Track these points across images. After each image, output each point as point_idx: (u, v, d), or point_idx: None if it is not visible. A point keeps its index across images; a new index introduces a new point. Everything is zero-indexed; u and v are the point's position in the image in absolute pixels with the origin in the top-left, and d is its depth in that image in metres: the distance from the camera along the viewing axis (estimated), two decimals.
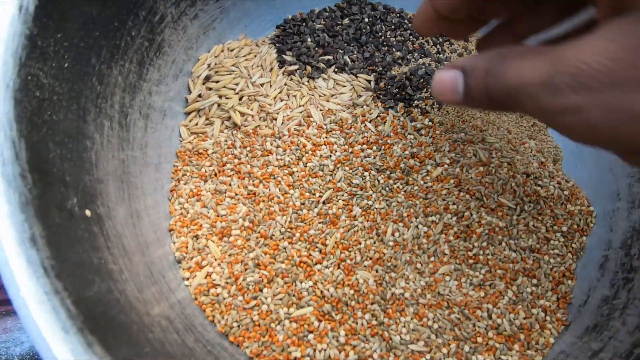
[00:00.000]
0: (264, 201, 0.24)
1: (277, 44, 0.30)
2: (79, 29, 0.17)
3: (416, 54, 0.31)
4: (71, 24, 0.17)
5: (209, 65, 0.28)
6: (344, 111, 0.28)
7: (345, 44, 0.31)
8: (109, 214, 0.17)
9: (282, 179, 0.25)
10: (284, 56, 0.29)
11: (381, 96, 0.29)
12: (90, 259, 0.14)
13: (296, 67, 0.29)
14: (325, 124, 0.27)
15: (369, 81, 0.29)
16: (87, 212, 0.15)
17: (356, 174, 0.26)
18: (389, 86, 0.29)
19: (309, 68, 0.29)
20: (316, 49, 0.30)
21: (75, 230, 0.14)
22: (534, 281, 0.24)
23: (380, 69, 0.30)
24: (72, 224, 0.14)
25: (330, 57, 0.30)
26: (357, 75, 0.29)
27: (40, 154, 0.14)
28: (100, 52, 0.19)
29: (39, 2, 0.15)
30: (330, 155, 0.26)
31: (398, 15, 0.33)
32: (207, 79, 0.27)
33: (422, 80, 0.29)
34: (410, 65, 0.30)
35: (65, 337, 0.10)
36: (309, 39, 0.31)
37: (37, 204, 0.12)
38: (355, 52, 0.31)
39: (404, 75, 0.29)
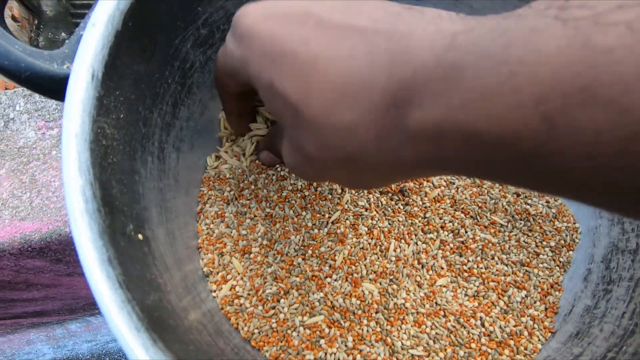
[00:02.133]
0: (279, 222, 0.28)
1: None
2: (130, 85, 0.21)
3: None
4: (126, 81, 0.21)
5: None
6: None
7: None
8: (153, 236, 0.21)
9: (296, 201, 0.28)
10: None
11: None
12: (145, 274, 0.17)
13: None
14: None
15: None
16: (140, 236, 0.19)
17: (361, 197, 0.29)
18: None
19: None
20: None
21: (134, 251, 0.17)
22: (524, 292, 0.27)
23: None
24: (131, 246, 0.18)
25: None
26: None
27: (108, 191, 0.17)
28: (145, 100, 0.23)
29: (105, 69, 0.19)
30: None
31: None
32: None
33: None
34: None
35: (137, 334, 0.13)
36: None
37: (109, 232, 0.16)
38: None
39: None
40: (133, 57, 0.21)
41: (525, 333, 0.26)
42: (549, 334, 0.26)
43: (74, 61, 0.17)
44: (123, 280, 0.15)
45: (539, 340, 0.26)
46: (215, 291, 0.25)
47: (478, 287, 0.27)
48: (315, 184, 0.29)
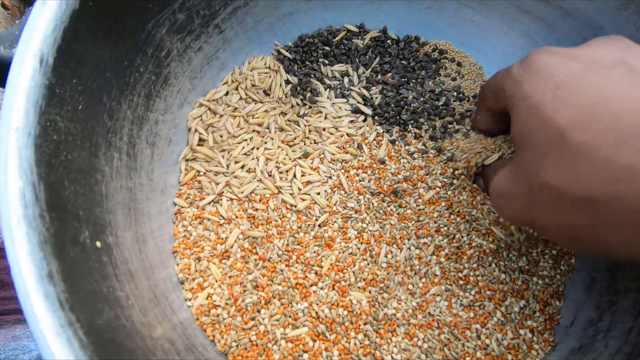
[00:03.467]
0: (262, 224, 0.26)
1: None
2: (92, 72, 0.19)
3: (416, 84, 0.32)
4: (85, 68, 0.18)
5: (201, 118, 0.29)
6: (343, 150, 0.28)
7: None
8: (117, 242, 0.19)
9: (280, 203, 0.26)
10: (288, 76, 0.31)
11: (377, 118, 0.30)
12: (100, 288, 0.15)
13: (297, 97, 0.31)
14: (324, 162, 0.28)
15: (367, 100, 0.31)
16: (98, 244, 0.17)
17: (351, 198, 0.27)
18: (387, 108, 0.30)
19: (308, 94, 0.31)
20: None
21: (87, 262, 0.15)
22: (522, 302, 0.25)
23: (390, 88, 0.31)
24: (84, 256, 0.15)
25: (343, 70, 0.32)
26: (356, 91, 0.31)
27: (57, 193, 0.15)
28: (111, 90, 0.21)
29: (58, 54, 0.16)
30: (327, 181, 0.27)
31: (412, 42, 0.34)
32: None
33: (418, 107, 0.30)
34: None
35: None
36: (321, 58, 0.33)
37: (54, 241, 0.14)
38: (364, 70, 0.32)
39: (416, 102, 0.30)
40: (95, 41, 0.19)
41: (524, 347, 0.24)
42: (549, 348, 0.24)
43: (17, 44, 0.15)
44: (66, 299, 0.13)
45: (538, 354, 0.24)
46: (190, 300, 0.23)
47: (474, 296, 0.25)
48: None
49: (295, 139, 0.29)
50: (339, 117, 0.30)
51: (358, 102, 0.31)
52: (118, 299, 0.16)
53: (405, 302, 0.24)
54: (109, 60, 0.20)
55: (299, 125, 0.29)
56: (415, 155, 0.29)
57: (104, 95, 0.20)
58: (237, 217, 0.26)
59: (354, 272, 0.25)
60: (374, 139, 0.29)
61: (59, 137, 0.16)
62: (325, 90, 0.31)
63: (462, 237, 0.26)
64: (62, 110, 0.17)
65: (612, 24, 0.25)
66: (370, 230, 0.26)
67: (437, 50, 0.33)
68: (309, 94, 0.31)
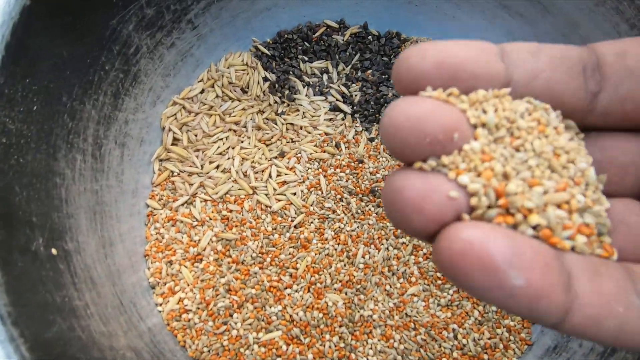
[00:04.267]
0: (236, 226, 0.25)
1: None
2: (48, 71, 0.18)
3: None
4: (40, 67, 0.18)
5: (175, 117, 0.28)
6: (320, 149, 0.28)
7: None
8: (78, 248, 0.18)
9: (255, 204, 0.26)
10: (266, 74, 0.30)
11: (356, 116, 0.30)
12: (53, 298, 0.15)
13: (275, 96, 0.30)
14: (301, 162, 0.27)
15: (346, 98, 0.30)
16: (53, 251, 0.16)
17: (328, 198, 0.26)
18: (366, 105, 0.30)
19: (286, 92, 0.30)
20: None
21: (38, 271, 0.15)
22: None
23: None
24: (36, 265, 0.15)
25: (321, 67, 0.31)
26: (334, 89, 0.30)
27: (6, 200, 0.14)
28: (71, 90, 0.20)
29: (6, 52, 0.15)
30: (304, 181, 0.27)
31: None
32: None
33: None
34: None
35: None
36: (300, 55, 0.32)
37: None
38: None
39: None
40: (51, 38, 0.18)
41: (501, 346, 0.24)
42: (526, 347, 0.24)
43: None
44: (9, 313, 0.12)
45: (515, 353, 0.24)
46: (161, 305, 0.23)
47: (452, 295, 0.25)
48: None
49: (272, 137, 0.28)
50: (317, 115, 0.30)
51: (337, 100, 0.30)
52: (74, 309, 0.15)
53: (382, 304, 0.24)
54: (68, 59, 0.19)
55: (276, 124, 0.29)
56: None
57: (64, 95, 0.19)
58: (210, 219, 0.25)
59: (330, 274, 0.24)
60: (353, 137, 0.29)
61: (8, 140, 0.15)
62: (304, 87, 0.31)
63: None
64: (12, 112, 0.16)
65: (589, 21, 0.24)
66: (347, 231, 0.26)
67: None
68: (287, 92, 0.30)
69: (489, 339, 0.24)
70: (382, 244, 0.26)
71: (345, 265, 0.25)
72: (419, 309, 0.24)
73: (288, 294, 0.23)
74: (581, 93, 0.11)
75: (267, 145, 0.28)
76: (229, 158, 0.27)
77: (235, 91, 0.30)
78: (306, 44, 0.32)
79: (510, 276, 0.08)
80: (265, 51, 0.31)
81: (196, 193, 0.26)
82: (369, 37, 0.33)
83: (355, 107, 0.30)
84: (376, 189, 0.27)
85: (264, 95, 0.30)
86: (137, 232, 0.25)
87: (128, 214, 0.24)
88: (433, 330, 0.24)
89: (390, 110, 0.09)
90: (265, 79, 0.31)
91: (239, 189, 0.26)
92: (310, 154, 0.28)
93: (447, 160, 0.09)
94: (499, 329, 0.24)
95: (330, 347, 0.22)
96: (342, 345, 0.23)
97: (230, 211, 0.25)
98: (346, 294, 0.24)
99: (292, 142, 0.28)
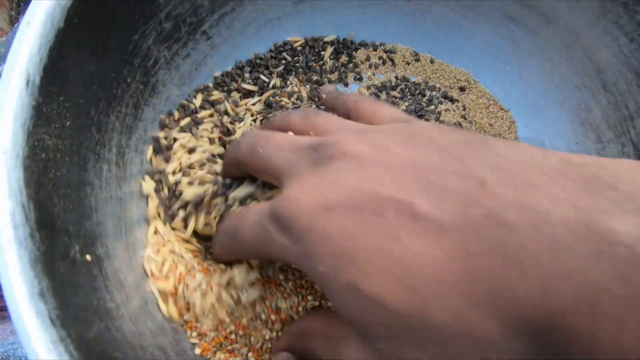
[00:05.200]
0: None
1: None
2: (79, 88, 0.19)
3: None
4: (72, 85, 0.19)
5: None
6: None
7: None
8: (107, 253, 0.19)
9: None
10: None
11: None
12: (91, 301, 0.16)
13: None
14: None
15: None
16: (88, 257, 0.17)
17: None
18: None
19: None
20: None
21: (77, 276, 0.16)
22: None
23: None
24: (75, 271, 0.16)
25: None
26: None
27: (47, 211, 0.16)
28: (98, 103, 0.21)
29: (44, 73, 0.17)
30: None
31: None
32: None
33: None
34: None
35: None
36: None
37: (44, 259, 0.14)
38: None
39: None
40: (81, 57, 0.19)
41: None
42: None
43: (4, 65, 0.15)
44: (57, 316, 0.13)
45: None
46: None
47: None
48: None
49: None
50: None
51: None
52: (108, 310, 0.17)
53: None
54: (95, 75, 0.21)
55: None
56: None
57: (92, 109, 0.21)
58: None
59: None
60: None
61: (47, 155, 0.17)
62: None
63: None
64: (49, 129, 0.17)
65: (591, 33, 0.25)
66: None
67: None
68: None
69: None
70: None
71: None
72: None
73: None
74: None
75: None
76: None
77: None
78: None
79: None
80: (251, 88, 0.31)
81: None
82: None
83: None
84: None
85: None
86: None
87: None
88: None
89: None
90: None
91: None
92: None
93: None
94: None
95: None
96: None
97: None
98: None
99: None
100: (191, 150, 0.26)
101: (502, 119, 0.31)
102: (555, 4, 0.26)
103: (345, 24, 0.34)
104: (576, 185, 0.11)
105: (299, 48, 0.34)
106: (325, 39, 0.34)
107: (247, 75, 0.32)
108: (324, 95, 0.25)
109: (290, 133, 0.19)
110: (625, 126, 0.25)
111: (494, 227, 0.11)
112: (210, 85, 0.31)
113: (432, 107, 0.31)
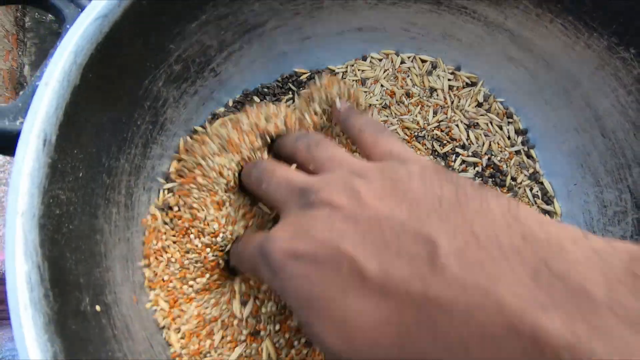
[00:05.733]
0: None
1: None
2: (91, 138, 0.20)
3: None
4: (85, 137, 0.19)
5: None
6: None
7: None
8: (115, 299, 0.20)
9: None
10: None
11: None
12: (100, 355, 0.16)
13: None
14: None
15: None
16: (97, 308, 0.18)
17: None
18: None
19: None
20: None
21: (87, 331, 0.16)
22: None
23: None
24: (85, 325, 0.17)
25: None
26: None
27: (59, 268, 0.16)
28: (109, 149, 0.22)
29: (60, 131, 0.17)
30: None
31: None
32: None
33: None
34: None
35: None
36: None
37: (57, 319, 0.15)
38: None
39: None
40: (94, 109, 0.20)
41: None
42: None
43: (22, 129, 0.16)
44: None
45: None
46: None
47: None
48: None
49: None
50: None
51: None
52: None
53: None
54: (107, 123, 0.21)
55: None
56: None
57: (103, 156, 0.21)
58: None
59: None
60: None
61: (60, 210, 0.17)
62: None
63: None
64: (63, 183, 0.18)
65: (590, 82, 0.26)
66: None
67: None
68: None
69: None
70: None
71: None
72: None
73: None
74: None
75: None
76: None
77: None
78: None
79: None
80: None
81: None
82: None
83: None
84: None
85: None
86: None
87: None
88: None
89: None
90: None
91: None
92: None
93: None
94: None
95: None
96: None
97: None
98: None
99: None
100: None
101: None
102: (555, 52, 0.27)
103: (350, 56, 0.35)
104: (526, 269, 0.12)
105: (305, 80, 0.35)
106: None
107: (256, 99, 0.32)
108: (338, 106, 0.26)
109: (294, 166, 0.21)
110: (622, 173, 0.26)
111: (430, 305, 0.12)
112: (222, 110, 0.32)
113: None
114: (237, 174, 0.24)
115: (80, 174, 0.19)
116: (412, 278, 0.13)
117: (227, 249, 0.24)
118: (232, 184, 0.24)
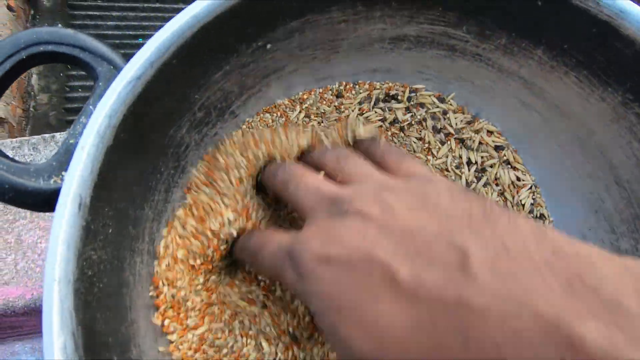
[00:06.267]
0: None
1: None
2: (120, 194, 0.20)
3: None
4: (115, 193, 0.20)
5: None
6: None
7: None
8: (140, 353, 0.20)
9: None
10: None
11: None
12: None
13: None
14: None
15: None
16: None
17: None
18: None
19: None
20: None
21: None
22: None
23: None
24: None
25: None
26: None
27: (92, 331, 0.16)
28: (135, 201, 0.22)
29: (94, 193, 0.18)
30: None
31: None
32: None
33: None
34: None
35: None
36: None
37: None
38: None
39: None
40: (124, 166, 0.20)
41: None
42: None
43: (59, 198, 0.17)
44: None
45: None
46: None
47: None
48: None
49: None
50: None
51: None
52: None
53: None
54: (134, 176, 0.22)
55: None
56: None
57: (130, 209, 0.22)
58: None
59: None
60: None
61: (92, 271, 0.18)
62: None
63: None
64: (95, 243, 0.18)
65: (605, 132, 0.26)
66: None
67: None
68: None
69: None
70: None
71: None
72: None
73: None
74: None
75: None
76: None
77: None
78: None
79: None
80: None
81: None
82: None
83: None
84: None
85: None
86: None
87: None
88: None
89: None
90: None
91: None
92: None
93: None
94: None
95: None
96: None
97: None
98: None
99: None
100: None
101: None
102: (569, 102, 0.28)
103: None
104: (559, 280, 0.12)
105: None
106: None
107: None
108: (361, 134, 0.26)
109: (322, 174, 0.21)
110: (638, 224, 0.26)
111: (463, 310, 0.12)
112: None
113: None
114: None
115: (110, 230, 0.19)
116: (445, 284, 0.13)
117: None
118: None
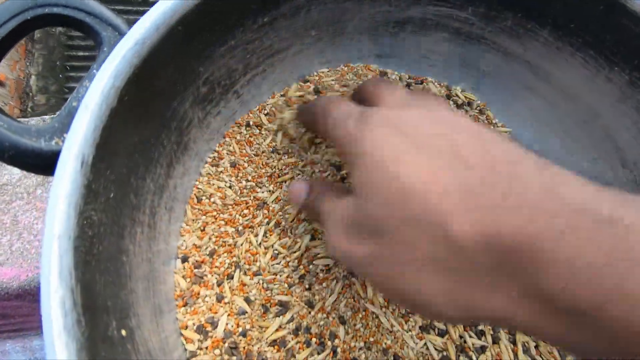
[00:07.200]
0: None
1: None
2: (123, 160, 0.20)
3: None
4: (118, 158, 0.20)
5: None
6: None
7: None
8: (138, 322, 0.20)
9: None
10: None
11: None
12: None
13: None
14: None
15: None
16: (123, 332, 0.18)
17: None
18: None
19: None
20: None
21: (114, 356, 0.16)
22: None
23: None
24: (113, 351, 0.16)
25: None
26: None
27: (90, 291, 0.16)
28: (137, 170, 0.22)
29: (96, 152, 0.17)
30: None
31: None
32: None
33: None
34: None
35: None
36: None
37: (88, 345, 0.15)
38: None
39: None
40: (127, 131, 0.20)
41: None
42: None
43: (60, 154, 0.16)
44: None
45: None
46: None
47: None
48: None
49: None
50: None
51: None
52: None
53: None
54: (137, 144, 0.21)
55: None
56: None
57: (132, 176, 0.21)
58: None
59: None
60: None
61: (92, 231, 0.17)
62: None
63: None
64: (96, 204, 0.18)
65: (610, 114, 0.26)
66: None
67: None
68: None
69: None
70: None
71: None
72: None
73: None
74: None
75: None
76: None
77: None
78: None
79: None
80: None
81: None
82: None
83: None
84: None
85: None
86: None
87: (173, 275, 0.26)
88: None
89: None
90: None
91: None
92: None
93: None
94: None
95: None
96: None
97: None
98: None
99: None
100: None
101: None
102: (575, 84, 0.28)
103: None
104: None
105: None
106: None
107: None
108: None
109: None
110: None
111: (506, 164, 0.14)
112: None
113: None
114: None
115: (111, 195, 0.19)
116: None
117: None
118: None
